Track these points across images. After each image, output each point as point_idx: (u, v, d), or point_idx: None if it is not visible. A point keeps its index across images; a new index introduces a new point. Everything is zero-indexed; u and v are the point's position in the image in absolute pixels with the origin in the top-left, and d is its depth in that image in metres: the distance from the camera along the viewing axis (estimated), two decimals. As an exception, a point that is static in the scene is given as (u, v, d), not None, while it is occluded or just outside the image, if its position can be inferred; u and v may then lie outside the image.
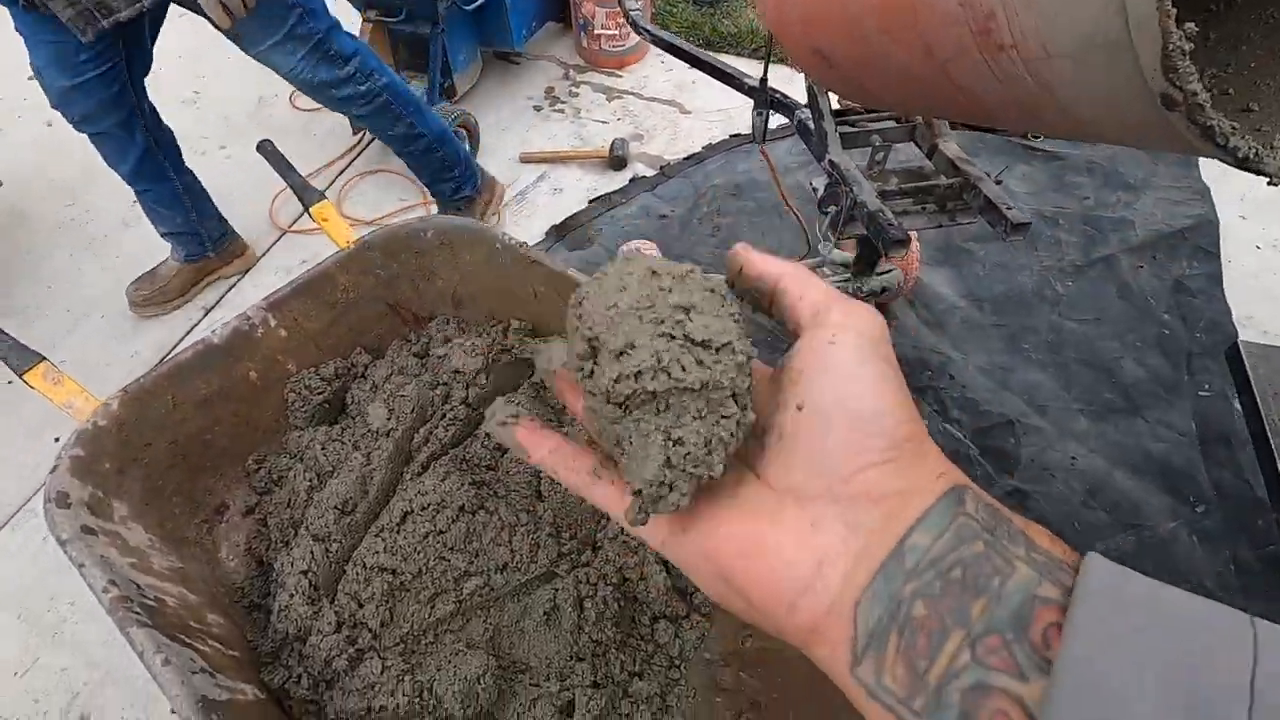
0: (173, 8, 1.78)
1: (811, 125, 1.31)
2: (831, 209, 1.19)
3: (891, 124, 1.30)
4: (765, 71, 1.38)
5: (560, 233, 2.29)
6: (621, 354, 0.33)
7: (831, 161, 1.19)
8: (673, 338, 0.32)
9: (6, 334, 1.27)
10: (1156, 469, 1.72)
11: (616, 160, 2.48)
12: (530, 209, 2.39)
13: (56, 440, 1.79)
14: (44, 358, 1.23)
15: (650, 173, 2.50)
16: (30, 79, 2.85)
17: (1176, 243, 2.22)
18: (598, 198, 2.41)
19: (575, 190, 2.44)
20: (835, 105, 1.32)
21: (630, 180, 2.47)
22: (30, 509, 1.68)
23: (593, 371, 0.34)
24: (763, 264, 0.36)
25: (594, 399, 0.35)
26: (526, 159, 2.53)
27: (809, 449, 0.31)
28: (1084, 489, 1.70)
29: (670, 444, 0.32)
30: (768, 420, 0.34)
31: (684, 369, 0.32)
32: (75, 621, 1.50)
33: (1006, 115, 0.74)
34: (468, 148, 2.45)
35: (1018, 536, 0.28)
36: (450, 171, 2.08)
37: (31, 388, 1.21)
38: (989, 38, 0.62)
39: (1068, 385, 1.90)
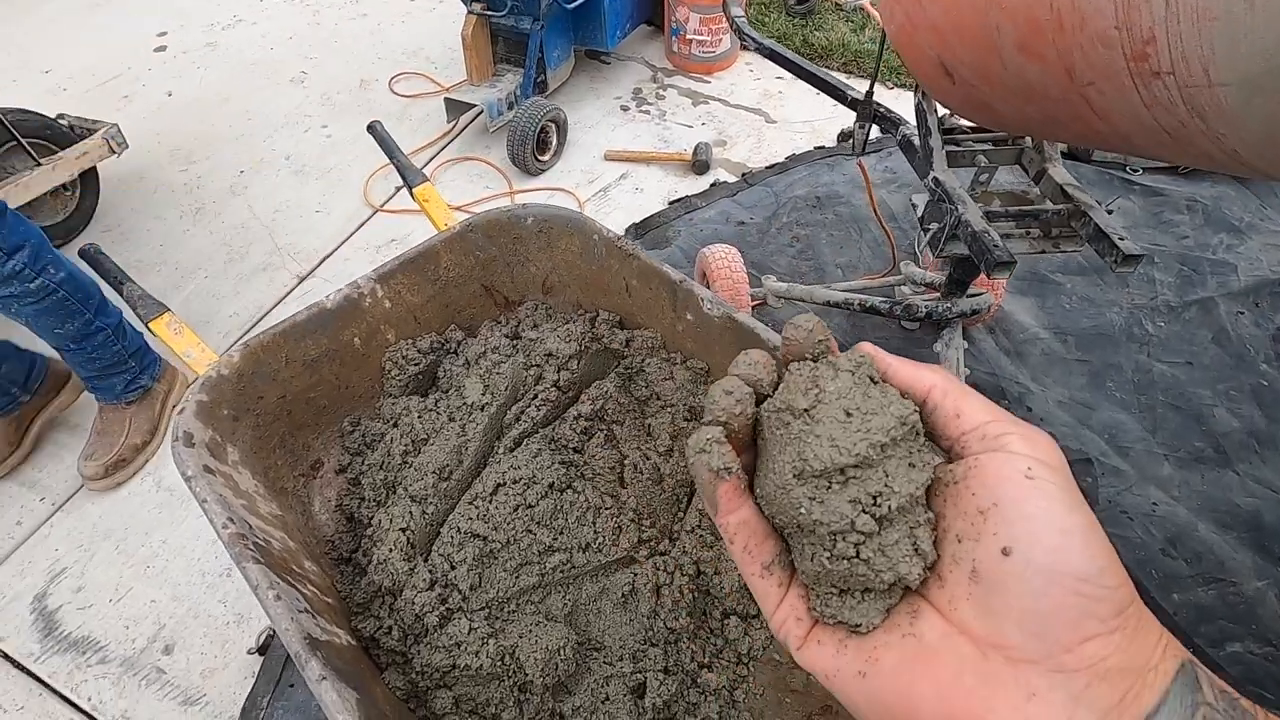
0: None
1: (916, 141, 1.30)
2: (933, 226, 1.19)
3: (998, 145, 1.29)
4: (873, 84, 1.38)
5: (639, 232, 2.33)
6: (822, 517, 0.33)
7: (936, 179, 1.19)
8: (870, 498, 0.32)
9: (136, 284, 1.37)
10: (1245, 524, 1.64)
11: (699, 164, 2.50)
12: (611, 206, 2.43)
13: (159, 388, 1.91)
14: (168, 309, 1.33)
15: (732, 179, 2.51)
16: (157, 51, 3.06)
17: (1283, 291, 2.11)
18: (678, 200, 2.44)
19: (656, 191, 2.48)
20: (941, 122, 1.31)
21: (711, 185, 2.49)
22: (131, 449, 1.80)
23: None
24: (908, 374, 0.35)
25: (775, 508, 0.35)
26: (610, 157, 2.58)
27: (1023, 606, 0.28)
28: (1164, 537, 1.63)
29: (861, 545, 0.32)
30: (953, 548, 0.32)
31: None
32: (166, 558, 1.59)
33: (1147, 142, 0.73)
34: (557, 142, 2.51)
35: None
36: (126, 364, 1.70)
37: (155, 335, 1.30)
38: (1144, 63, 0.62)
39: (1153, 429, 1.83)
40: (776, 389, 0.36)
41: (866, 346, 0.36)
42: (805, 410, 0.33)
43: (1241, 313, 2.08)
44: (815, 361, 0.36)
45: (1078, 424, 1.84)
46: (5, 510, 1.69)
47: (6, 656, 1.46)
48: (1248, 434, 1.80)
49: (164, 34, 3.13)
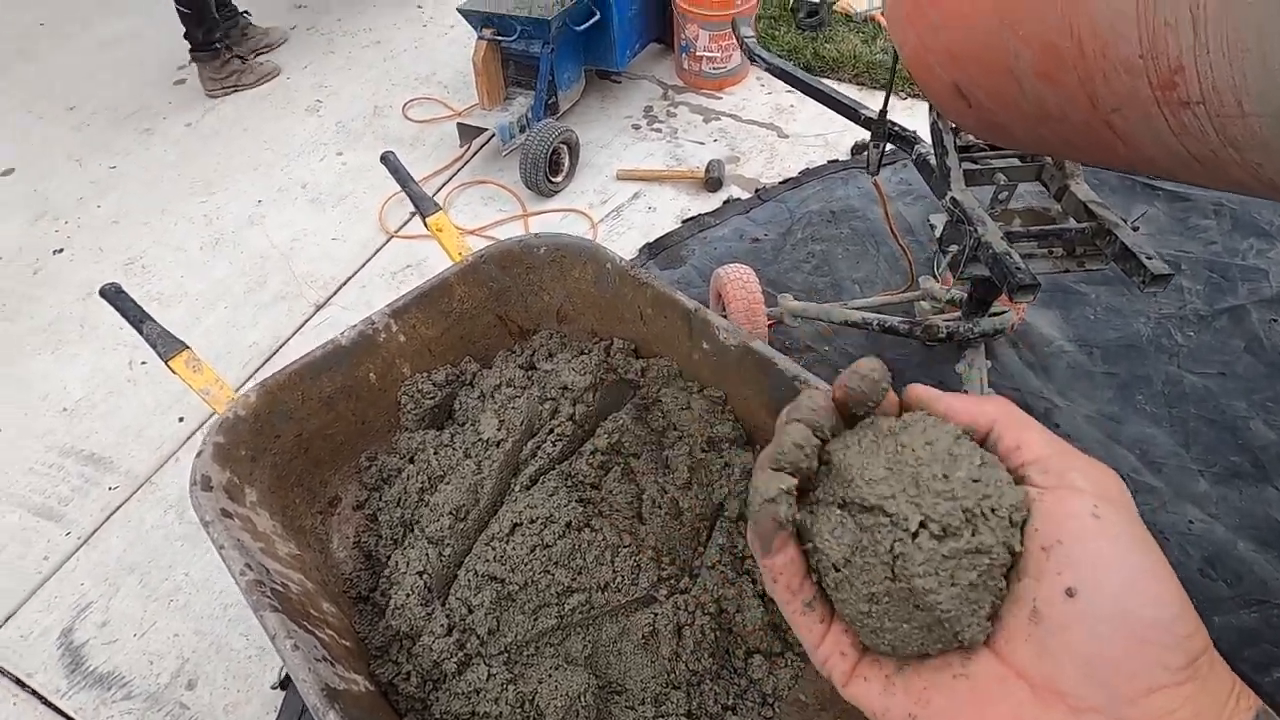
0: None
1: (932, 160, 1.28)
2: (952, 248, 1.16)
3: (1017, 162, 1.26)
4: (885, 103, 1.36)
5: (653, 251, 2.32)
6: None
7: (954, 199, 1.16)
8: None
9: (156, 322, 1.38)
10: (1287, 542, 1.58)
11: (712, 181, 2.49)
12: (624, 226, 2.42)
13: (181, 420, 1.93)
14: (187, 346, 1.33)
15: (745, 195, 2.50)
16: (177, 84, 3.11)
17: (1317, 296, 2.05)
18: (691, 218, 2.43)
19: (669, 209, 2.47)
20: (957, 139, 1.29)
21: (725, 202, 2.48)
22: (153, 482, 1.81)
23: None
24: (969, 410, 0.33)
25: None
26: (623, 176, 2.58)
27: (1086, 652, 0.27)
28: (1201, 557, 1.58)
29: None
30: (1013, 586, 0.30)
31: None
32: (189, 592, 1.60)
33: (1174, 167, 0.71)
34: (569, 163, 2.51)
35: None
36: None
37: (174, 373, 1.31)
38: (1172, 92, 0.60)
39: (1186, 443, 1.77)
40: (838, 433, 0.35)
41: (920, 391, 0.35)
42: (901, 502, 0.32)
43: (1275, 320, 2.02)
44: (875, 409, 0.35)
45: (1107, 439, 1.79)
46: (32, 544, 1.71)
47: (35, 693, 1.47)
48: (1286, 447, 1.74)
49: (183, 66, 3.19)
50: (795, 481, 0.33)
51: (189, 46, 2.93)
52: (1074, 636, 0.27)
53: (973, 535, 0.30)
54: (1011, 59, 0.78)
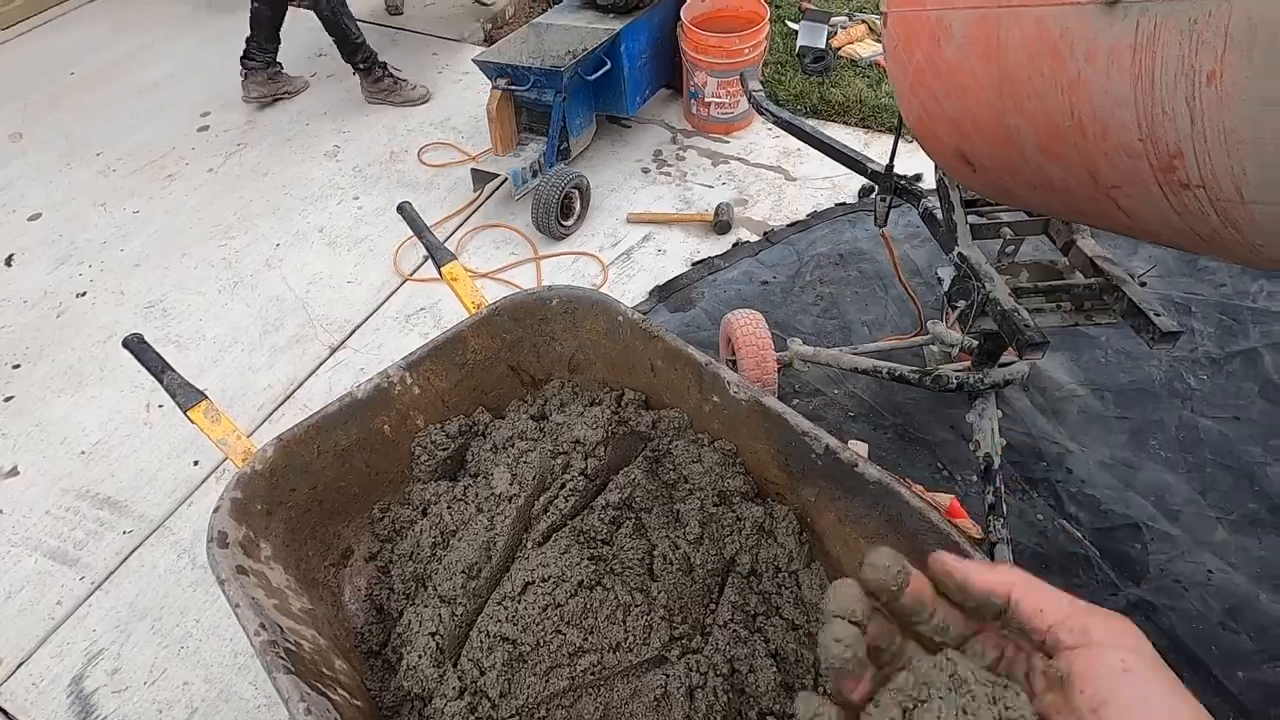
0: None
1: (938, 214, 1.30)
2: (960, 304, 1.17)
3: (1024, 217, 1.28)
4: (891, 159, 1.39)
5: (663, 294, 2.34)
6: None
7: (961, 254, 1.18)
8: None
9: (176, 372, 1.41)
10: (1310, 594, 1.55)
11: (721, 224, 2.52)
12: (634, 268, 2.46)
13: (195, 464, 1.95)
14: (206, 396, 1.35)
15: (754, 238, 2.53)
16: (200, 131, 3.21)
17: (1331, 339, 2.04)
18: (700, 260, 2.46)
19: (679, 252, 2.50)
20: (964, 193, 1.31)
21: (734, 245, 2.51)
22: (168, 527, 1.83)
23: None
24: (989, 580, 0.37)
25: None
26: (633, 219, 2.62)
27: None
28: (1222, 608, 1.55)
29: None
30: None
31: None
32: (199, 638, 1.60)
33: (1177, 240, 0.72)
34: (580, 207, 2.56)
35: None
36: None
37: (193, 423, 1.33)
38: (1171, 175, 0.61)
39: (1203, 490, 1.75)
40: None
41: (941, 564, 0.38)
42: None
43: (1288, 363, 2.01)
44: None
45: (1122, 486, 1.78)
46: (46, 589, 1.72)
47: (43, 744, 1.47)
48: (1305, 495, 1.72)
49: (207, 113, 3.30)
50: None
51: (242, 53, 3.18)
52: None
53: None
54: (1014, 133, 0.80)
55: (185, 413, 1.35)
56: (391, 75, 3.24)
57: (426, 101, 3.27)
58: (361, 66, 3.17)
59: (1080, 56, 0.65)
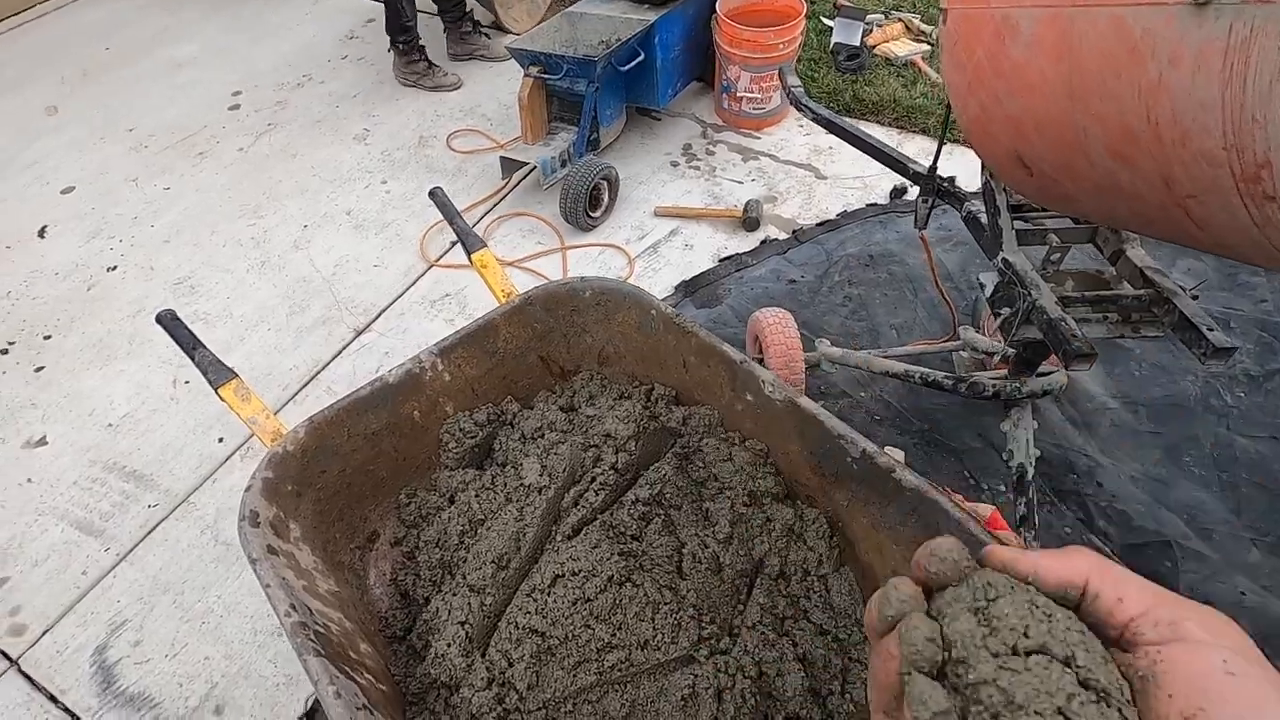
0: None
1: (983, 219, 1.27)
2: (1004, 310, 1.15)
3: (1069, 224, 1.25)
4: (936, 159, 1.36)
5: (689, 289, 2.33)
6: None
7: (1006, 260, 1.15)
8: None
9: (208, 349, 1.41)
10: (1347, 621, 1.52)
11: (749, 221, 2.50)
12: (661, 262, 2.44)
13: (220, 440, 1.96)
14: (236, 375, 1.36)
15: (782, 236, 2.50)
16: (231, 110, 3.22)
17: (1374, 361, 1.99)
18: (728, 257, 2.43)
19: (706, 247, 2.48)
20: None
21: (762, 242, 2.48)
22: (191, 501, 1.84)
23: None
24: (1060, 569, 0.32)
25: None
26: (661, 213, 2.60)
27: None
28: (1255, 632, 1.49)
29: None
30: None
31: None
32: (221, 614, 1.61)
33: (1250, 253, 0.69)
34: (608, 199, 2.54)
35: None
36: None
37: (223, 400, 1.33)
38: (1256, 185, 0.59)
39: (1237, 509, 1.72)
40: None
41: (1003, 556, 0.34)
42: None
43: (1330, 384, 1.96)
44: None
45: (1153, 502, 1.74)
46: (72, 559, 1.74)
47: (68, 710, 1.49)
48: (1344, 519, 1.67)
49: (238, 93, 3.31)
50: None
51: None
52: None
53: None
54: (1081, 135, 0.77)
55: (216, 390, 1.36)
56: (427, 60, 3.24)
57: (458, 89, 3.26)
58: (401, 45, 3.16)
59: (1163, 58, 0.63)
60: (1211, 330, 1.01)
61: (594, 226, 2.54)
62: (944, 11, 0.96)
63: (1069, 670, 0.30)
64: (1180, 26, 0.61)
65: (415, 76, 3.24)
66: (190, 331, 1.45)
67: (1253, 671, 0.27)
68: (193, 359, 1.40)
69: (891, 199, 2.59)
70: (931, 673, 0.32)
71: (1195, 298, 1.09)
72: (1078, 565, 0.32)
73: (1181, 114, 0.63)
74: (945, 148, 1.73)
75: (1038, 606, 0.32)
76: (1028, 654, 0.31)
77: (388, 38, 3.17)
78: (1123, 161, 0.73)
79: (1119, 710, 0.30)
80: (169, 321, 1.45)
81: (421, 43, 3.20)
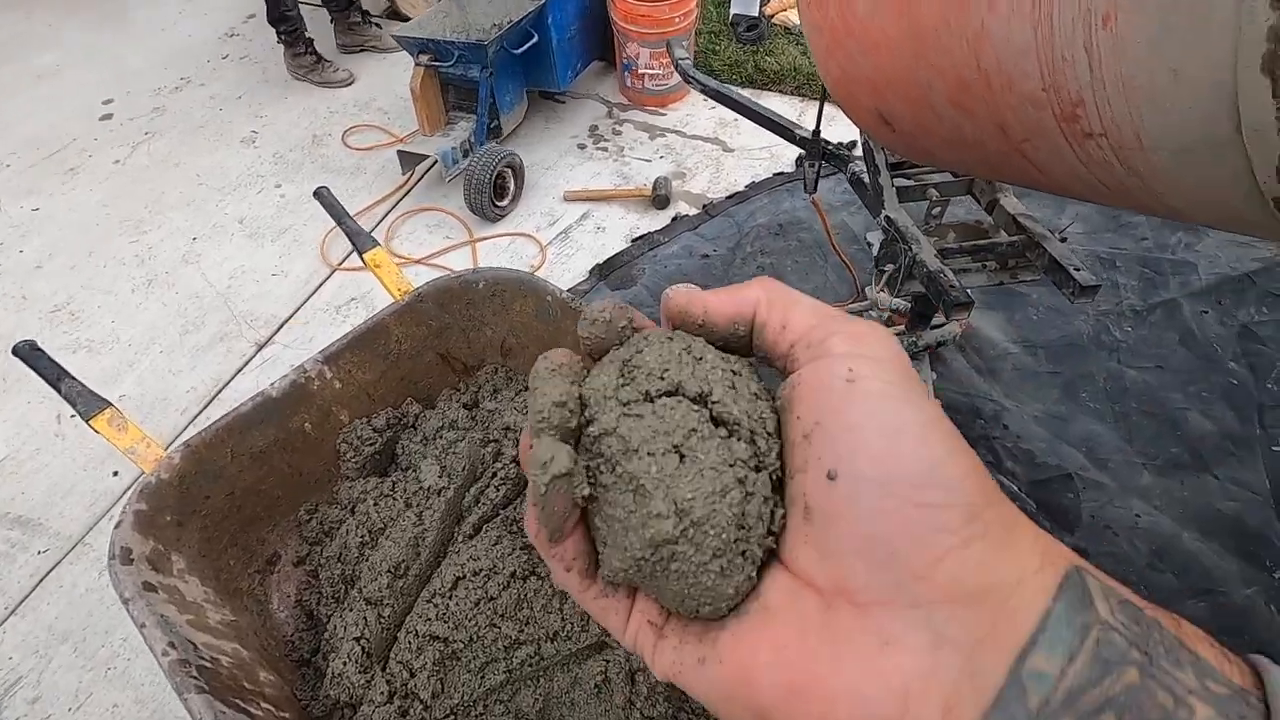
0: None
1: (866, 179, 1.29)
2: (888, 267, 1.17)
3: (949, 178, 1.28)
4: (818, 124, 1.37)
5: (603, 272, 2.30)
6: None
7: (888, 218, 1.17)
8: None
9: (76, 379, 1.31)
10: (1229, 530, 1.63)
11: (659, 199, 2.49)
12: (573, 247, 2.40)
13: (115, 474, 1.84)
14: (110, 404, 1.26)
15: (693, 211, 2.50)
16: (103, 120, 3.00)
17: (1244, 287, 2.13)
18: (640, 236, 2.42)
19: (618, 228, 2.46)
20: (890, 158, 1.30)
21: (673, 219, 2.48)
22: (87, 543, 1.72)
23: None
24: (729, 303, 0.29)
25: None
26: (570, 197, 2.56)
27: (857, 533, 0.23)
28: (1149, 550, 1.62)
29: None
30: (787, 487, 0.27)
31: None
32: (127, 657, 1.52)
33: (1087, 193, 0.72)
34: (514, 187, 2.48)
35: (1178, 652, 0.21)
36: None
37: (97, 432, 1.24)
38: (1075, 124, 0.60)
39: (1129, 438, 1.82)
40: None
41: (677, 300, 0.30)
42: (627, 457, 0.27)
43: (1205, 311, 2.09)
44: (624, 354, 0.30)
45: (1054, 438, 1.83)
46: (-45, 619, 1.61)
47: (-42, 782, 1.38)
48: (1222, 436, 1.80)
49: (109, 101, 3.08)
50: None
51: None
52: (844, 525, 0.24)
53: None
54: (926, 89, 0.78)
55: (88, 421, 1.26)
56: (315, 53, 3.08)
57: (350, 84, 3.12)
58: (284, 36, 2.99)
59: (983, 4, 0.63)
60: (1078, 270, 1.05)
61: (502, 216, 2.48)
62: (796, -28, 0.96)
63: (698, 408, 0.28)
64: (994, -29, 0.61)
65: (304, 70, 3.09)
66: (53, 361, 1.34)
67: (879, 375, 0.25)
68: (59, 390, 1.29)
69: (797, 166, 2.62)
70: (566, 440, 0.28)
71: (1064, 240, 1.13)
72: (748, 295, 0.29)
73: (1004, 59, 0.64)
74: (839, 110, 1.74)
75: (689, 352, 0.29)
76: (660, 397, 0.28)
77: (273, 30, 3.00)
78: (963, 112, 0.74)
79: (749, 441, 0.27)
80: (27, 353, 1.34)
81: (308, 35, 3.05)
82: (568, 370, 0.29)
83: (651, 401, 0.28)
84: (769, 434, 0.28)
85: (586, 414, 0.29)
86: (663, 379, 0.28)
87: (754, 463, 0.27)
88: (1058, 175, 0.71)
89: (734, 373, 0.29)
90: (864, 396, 0.24)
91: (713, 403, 0.28)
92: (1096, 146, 0.61)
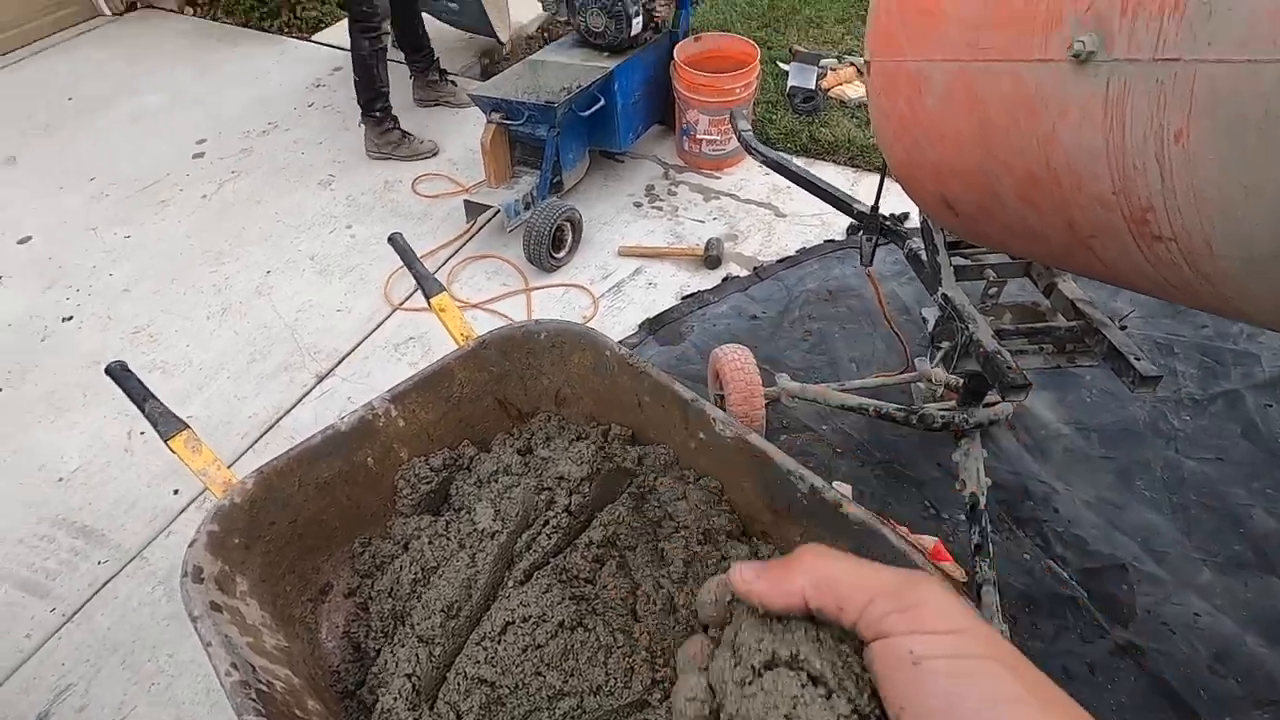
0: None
1: (923, 255, 1.32)
2: (945, 344, 1.19)
3: (1006, 259, 1.30)
4: (877, 200, 1.42)
5: (653, 327, 2.35)
6: None
7: (945, 296, 1.20)
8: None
9: (159, 400, 1.39)
10: (1297, 638, 1.55)
11: (711, 259, 2.55)
12: (625, 301, 2.47)
13: (176, 492, 1.92)
14: (187, 426, 1.34)
15: (744, 273, 2.55)
16: (195, 158, 3.23)
17: (1310, 383, 2.07)
18: (690, 295, 2.47)
19: (669, 286, 2.52)
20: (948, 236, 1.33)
21: (724, 279, 2.53)
22: (144, 557, 1.79)
23: None
24: (776, 596, 0.33)
25: None
26: (624, 253, 2.64)
27: None
28: (1210, 652, 1.54)
29: None
30: None
31: None
32: (171, 674, 1.56)
33: (1154, 290, 0.73)
34: (572, 240, 2.58)
35: None
36: None
37: (174, 452, 1.31)
38: (1144, 227, 0.63)
39: (1188, 530, 1.76)
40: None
41: (736, 581, 0.36)
42: None
43: (1269, 405, 2.03)
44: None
45: (1108, 526, 1.78)
46: (17, 620, 1.67)
47: (2, 785, 1.42)
48: (1289, 537, 1.72)
49: (203, 140, 3.32)
50: None
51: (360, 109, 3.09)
52: None
53: None
54: (993, 181, 0.81)
55: (166, 442, 1.33)
56: (400, 129, 3.13)
57: (435, 155, 3.16)
58: (377, 114, 3.05)
59: (1055, 111, 0.67)
60: (1139, 359, 1.05)
61: (558, 267, 2.57)
62: (867, 64, 1.02)
63: (794, 671, 0.32)
64: (1066, 82, 0.65)
65: (390, 148, 3.12)
66: (140, 382, 1.43)
67: (943, 652, 0.27)
68: (143, 410, 1.38)
69: (849, 235, 2.66)
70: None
71: (1124, 328, 1.14)
72: (792, 589, 0.33)
73: (1075, 161, 0.67)
74: (896, 186, 1.79)
75: (777, 620, 0.34)
76: (765, 671, 0.33)
77: (359, 109, 3.05)
78: (1030, 205, 0.77)
79: (847, 699, 0.31)
80: (118, 373, 1.43)
81: (394, 111, 3.11)
82: (700, 657, 0.37)
83: (760, 676, 0.34)
84: (857, 674, 0.32)
85: (716, 699, 0.35)
86: (759, 649, 0.34)
87: (854, 718, 0.31)
88: (1123, 271, 0.73)
89: (812, 630, 0.34)
90: (932, 677, 0.27)
91: (803, 663, 0.32)
92: (1165, 249, 0.63)
